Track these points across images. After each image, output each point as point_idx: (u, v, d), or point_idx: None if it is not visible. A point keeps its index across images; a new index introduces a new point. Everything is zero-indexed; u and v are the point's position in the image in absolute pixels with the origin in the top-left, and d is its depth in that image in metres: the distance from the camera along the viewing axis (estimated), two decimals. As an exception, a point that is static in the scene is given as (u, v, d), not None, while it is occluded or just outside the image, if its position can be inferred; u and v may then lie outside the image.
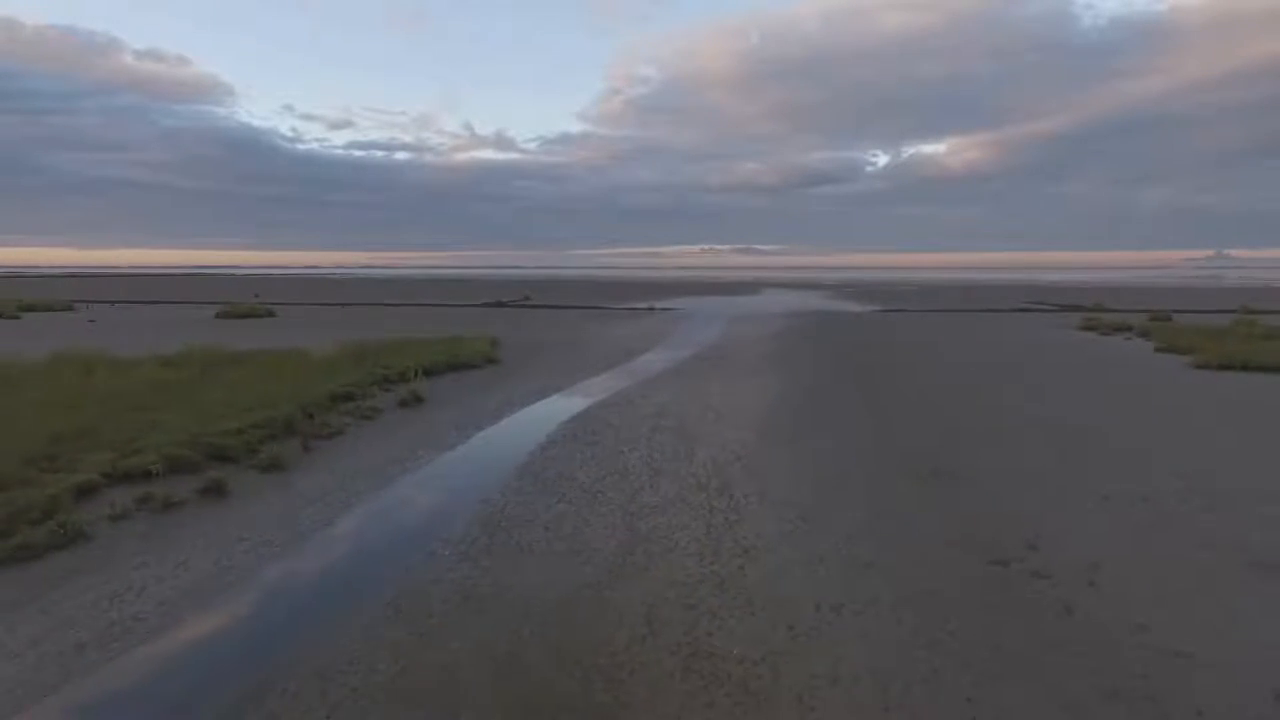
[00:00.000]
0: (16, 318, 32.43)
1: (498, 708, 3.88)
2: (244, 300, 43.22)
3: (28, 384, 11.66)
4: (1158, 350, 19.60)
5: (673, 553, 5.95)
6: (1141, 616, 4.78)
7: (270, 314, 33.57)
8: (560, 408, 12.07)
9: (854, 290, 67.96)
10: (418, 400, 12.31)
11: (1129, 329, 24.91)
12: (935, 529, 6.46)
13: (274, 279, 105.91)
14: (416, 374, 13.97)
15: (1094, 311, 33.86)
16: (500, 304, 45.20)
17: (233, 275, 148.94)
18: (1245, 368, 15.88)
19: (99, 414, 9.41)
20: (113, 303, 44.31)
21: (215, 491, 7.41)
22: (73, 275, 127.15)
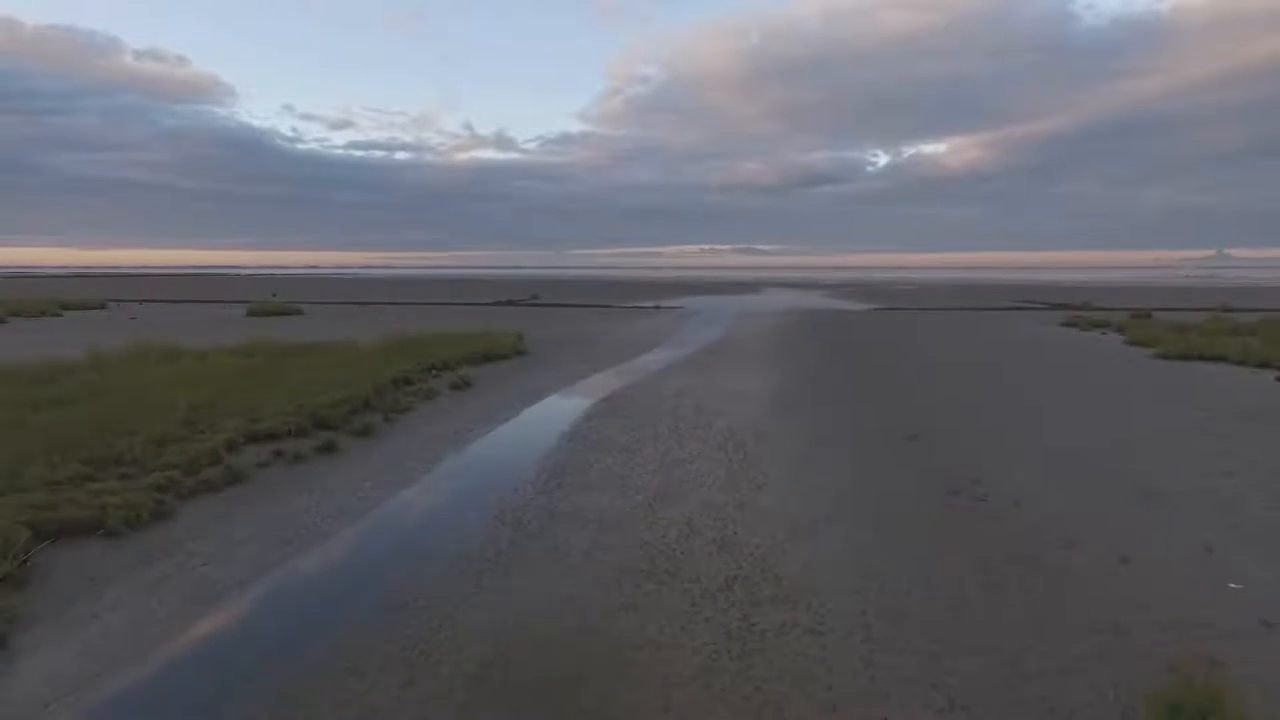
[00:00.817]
0: (59, 315, 34.23)
1: (593, 568, 5.66)
2: (258, 299, 45.01)
3: (133, 369, 13.43)
4: (1127, 344, 21.41)
5: (702, 487, 7.72)
6: (1047, 522, 6.56)
7: (298, 312, 35.39)
8: (590, 390, 13.85)
9: (853, 289, 69.79)
10: (466, 384, 14.09)
11: (1107, 325, 26.72)
12: (906, 473, 8.24)
13: (281, 279, 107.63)
14: (461, 362, 15.76)
15: (1079, 310, 35.64)
16: (511, 302, 47.00)
17: (238, 275, 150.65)
18: (1200, 357, 17.68)
19: (212, 391, 11.19)
20: (140, 301, 46.13)
21: (329, 449, 9.19)
22: (79, 275, 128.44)
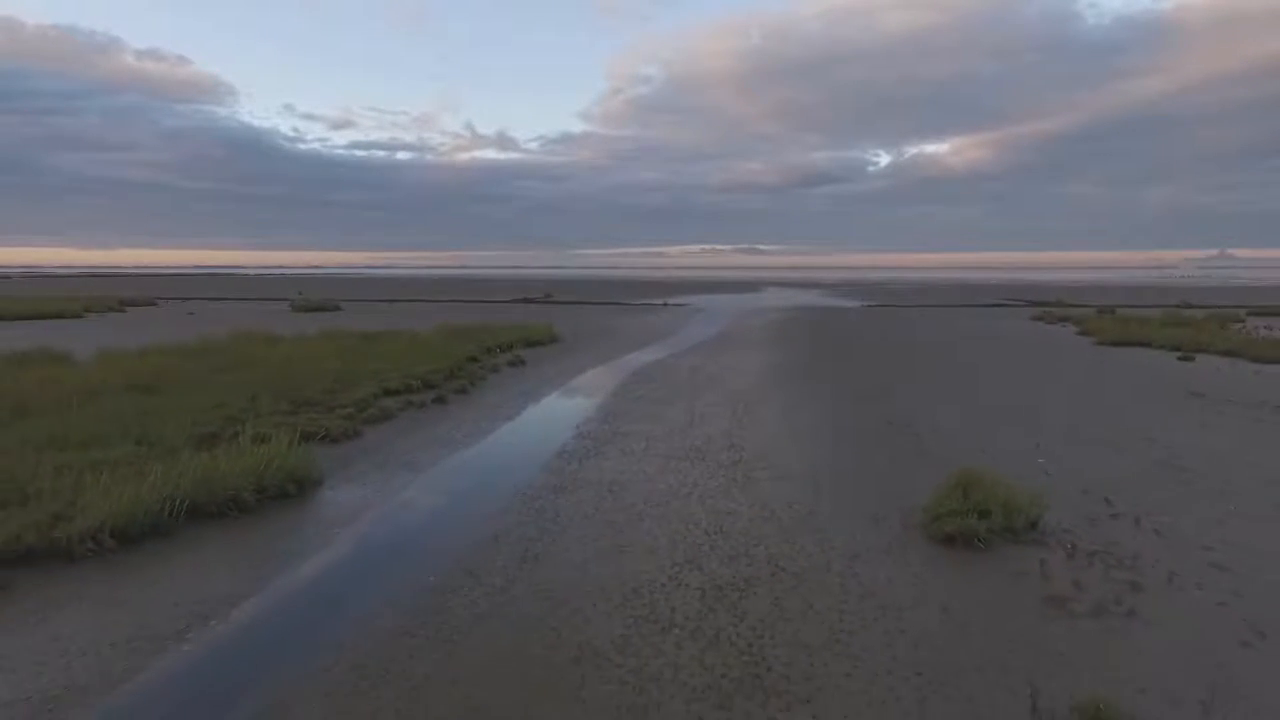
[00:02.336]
0: (122, 311, 37.62)
1: (650, 457, 8.98)
2: (278, 296, 48.35)
3: (254, 348, 16.75)
4: (1078, 333, 24.73)
5: (716, 421, 11.05)
6: (945, 438, 9.88)
7: (337, 308, 38.76)
8: (622, 366, 17.18)
9: (850, 288, 73.14)
10: (521, 362, 17.43)
11: (1069, 319, 30.02)
12: (863, 415, 11.56)
13: (291, 279, 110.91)
14: (512, 346, 19.11)
15: (1052, 306, 38.95)
16: (527, 300, 50.36)
17: (246, 275, 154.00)
18: (1130, 343, 21.02)
19: (335, 363, 14.51)
20: (183, 299, 49.55)
21: (441, 400, 12.54)
22: (92, 275, 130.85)
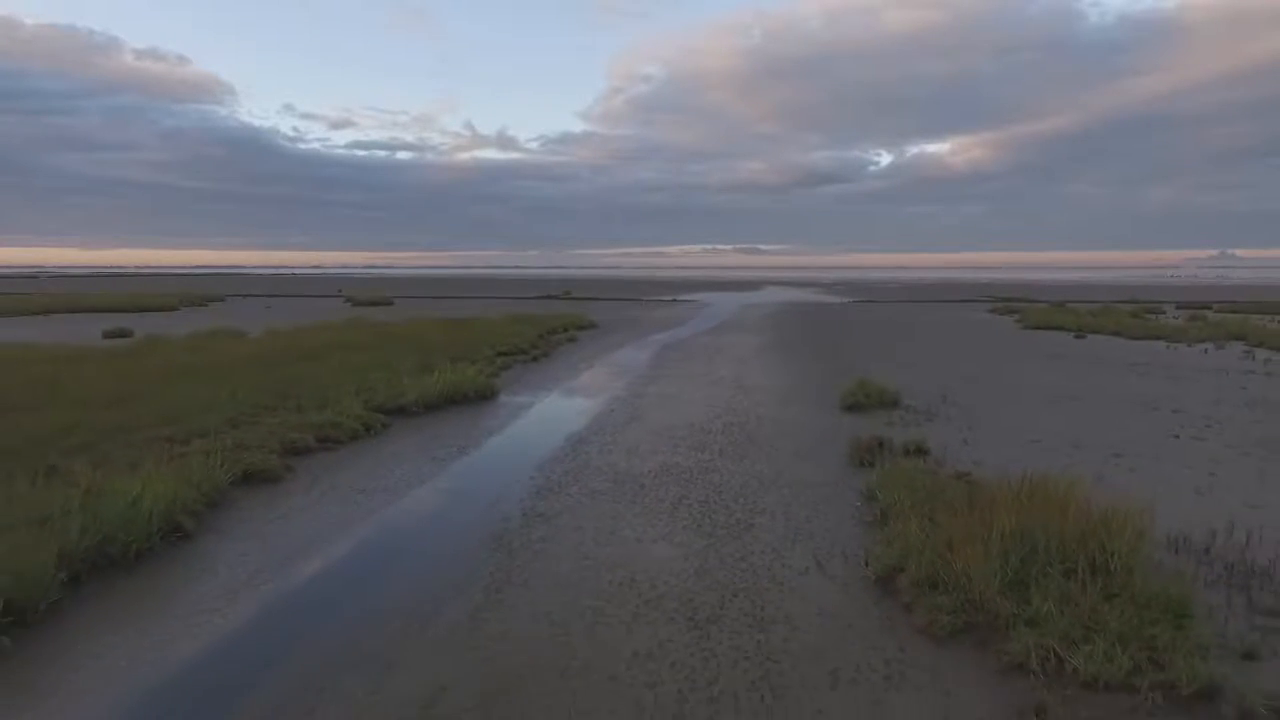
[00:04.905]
0: (203, 305, 43.28)
1: (689, 386, 14.67)
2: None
3: (376, 329, 22.41)
4: (1015, 321, 30.43)
5: (726, 369, 16.73)
6: (873, 377, 15.57)
7: (391, 302, 44.45)
8: (651, 342, 22.89)
9: (844, 287, 78.96)
10: (574, 340, 23.15)
11: (1016, 311, 35.70)
12: (823, 366, 17.24)
13: (303, 278, 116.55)
14: (567, 329, 24.86)
15: (1011, 301, 44.67)
16: (550, 296, 56.09)
17: (257, 274, 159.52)
18: (1046, 327, 26.71)
19: (454, 337, 20.18)
20: (242, 296, 55.28)
21: (535, 359, 18.26)
22: (114, 276, 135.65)
